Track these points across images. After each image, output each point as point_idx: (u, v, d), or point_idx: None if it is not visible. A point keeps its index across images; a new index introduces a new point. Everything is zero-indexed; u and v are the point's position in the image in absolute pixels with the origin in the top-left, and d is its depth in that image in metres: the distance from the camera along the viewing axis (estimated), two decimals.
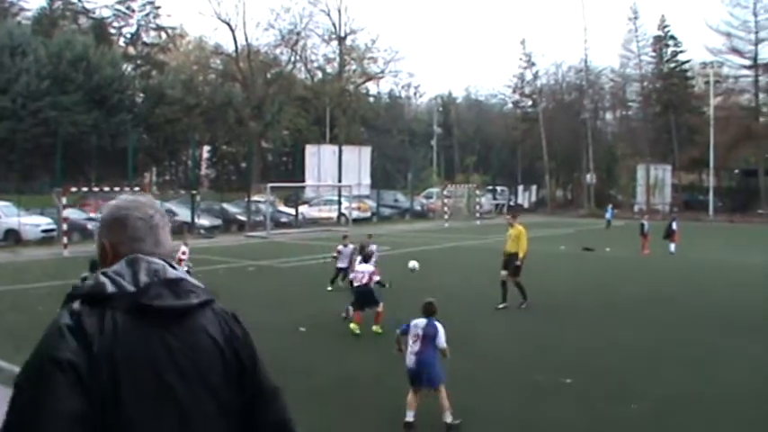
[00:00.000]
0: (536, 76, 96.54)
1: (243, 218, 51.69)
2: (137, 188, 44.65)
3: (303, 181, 63.32)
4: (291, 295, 24.00)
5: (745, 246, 44.24)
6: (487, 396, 12.60)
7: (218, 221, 49.58)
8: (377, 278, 18.54)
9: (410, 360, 10.95)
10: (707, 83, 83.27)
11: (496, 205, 79.13)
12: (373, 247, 20.67)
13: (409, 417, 10.76)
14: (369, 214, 61.76)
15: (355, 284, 18.16)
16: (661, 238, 37.53)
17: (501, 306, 21.12)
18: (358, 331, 17.41)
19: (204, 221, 48.13)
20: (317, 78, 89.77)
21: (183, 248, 24.66)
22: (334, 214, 59.15)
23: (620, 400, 12.24)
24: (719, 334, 17.90)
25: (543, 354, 15.81)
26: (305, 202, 60.73)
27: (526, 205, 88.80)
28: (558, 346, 16.57)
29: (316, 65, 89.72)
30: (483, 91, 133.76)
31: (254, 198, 54.69)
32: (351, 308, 18.34)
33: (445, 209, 61.84)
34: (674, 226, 37.89)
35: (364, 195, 64.27)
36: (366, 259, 18.65)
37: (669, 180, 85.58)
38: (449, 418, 10.77)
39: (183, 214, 47.71)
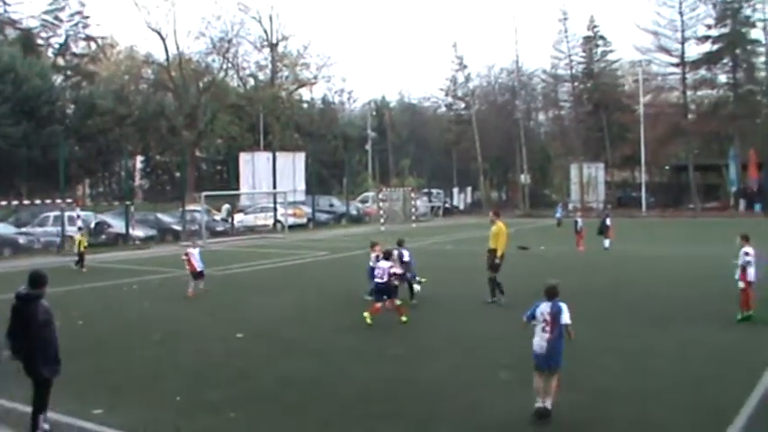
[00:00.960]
0: (468, 79, 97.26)
1: (178, 227, 51.27)
2: (69, 200, 43.99)
3: (238, 189, 62.99)
4: (228, 303, 23.94)
5: (676, 240, 45.04)
6: (434, 394, 12.78)
7: (152, 232, 49.16)
8: (397, 270, 20.07)
9: (541, 346, 11.36)
10: (636, 81, 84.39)
11: (432, 208, 79.42)
12: (405, 252, 22.29)
13: (546, 403, 11.22)
14: (305, 220, 61.63)
15: (376, 280, 19.26)
16: (595, 234, 38.12)
17: (490, 301, 21.73)
18: (370, 321, 18.60)
19: (139, 232, 47.69)
20: (249, 86, 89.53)
21: (190, 251, 25.71)
22: (270, 221, 58.94)
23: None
24: (652, 325, 18.31)
25: (477, 351, 15.99)
26: (240, 210, 60.44)
27: (462, 207, 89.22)
28: (491, 342, 16.77)
29: (248, 72, 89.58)
30: (416, 94, 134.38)
31: (190, 207, 54.22)
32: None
33: (381, 213, 61.94)
34: (608, 222, 38.56)
35: (300, 201, 64.06)
36: (387, 257, 19.89)
37: (602, 178, 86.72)
38: (549, 404, 11.19)
39: (118, 225, 47.30)
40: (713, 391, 12.50)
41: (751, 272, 18.37)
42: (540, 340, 11.36)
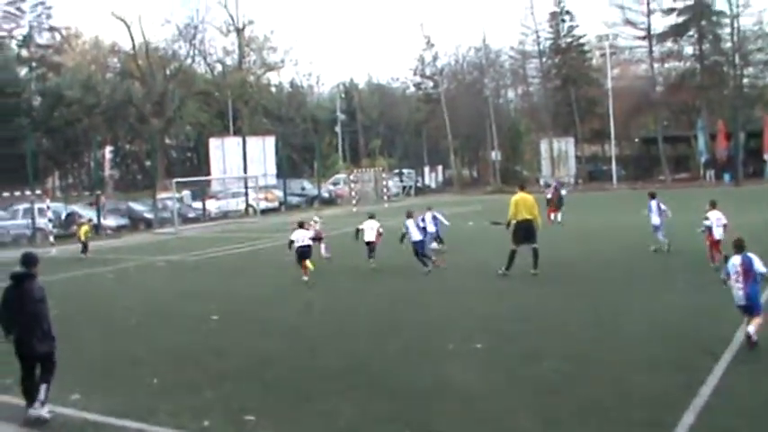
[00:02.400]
0: (436, 58, 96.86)
1: (150, 216, 51.12)
2: (38, 192, 43.73)
3: (209, 175, 62.77)
4: (203, 286, 23.99)
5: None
6: (404, 365, 12.90)
7: (124, 221, 49.00)
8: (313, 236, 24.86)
9: (739, 297, 12.61)
10: (603, 56, 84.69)
11: (404, 188, 79.42)
12: (428, 214, 27.27)
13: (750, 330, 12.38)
14: (276, 204, 61.54)
15: (298, 245, 23.12)
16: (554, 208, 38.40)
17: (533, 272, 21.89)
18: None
19: (110, 222, 47.54)
20: (217, 71, 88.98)
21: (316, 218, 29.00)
22: (242, 206, 58.84)
23: (532, 360, 12.62)
24: (619, 292, 18.62)
25: (452, 322, 16.10)
26: (211, 197, 60.25)
27: (433, 186, 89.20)
28: (466, 314, 16.90)
29: (215, 58, 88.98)
30: (385, 76, 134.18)
31: (162, 195, 54.02)
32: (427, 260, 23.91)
33: (353, 194, 61.95)
34: (563, 194, 39.40)
35: (271, 186, 63.96)
36: (300, 227, 23.79)
37: (572, 152, 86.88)
38: (754, 336, 12.28)
39: (89, 216, 47.08)
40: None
41: (717, 231, 20.64)
42: (737, 291, 12.62)
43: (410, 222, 23.91)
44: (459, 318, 16.56)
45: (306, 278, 22.71)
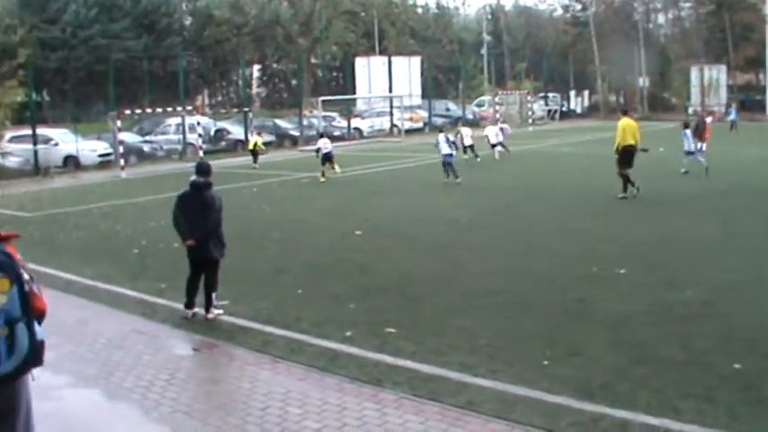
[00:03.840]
0: None
1: (295, 133, 51.86)
2: (189, 108, 44.80)
3: (354, 94, 63.05)
4: (346, 203, 24.27)
5: None
6: (548, 287, 12.82)
7: (271, 138, 49.80)
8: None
9: None
10: None
11: (548, 111, 78.33)
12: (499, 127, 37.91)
13: None
14: (421, 124, 61.53)
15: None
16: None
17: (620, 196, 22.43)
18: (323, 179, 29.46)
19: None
20: None
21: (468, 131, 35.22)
22: (387, 125, 59.04)
23: (674, 288, 12.36)
24: None
25: (598, 248, 15.92)
26: (356, 116, 60.59)
27: (579, 110, 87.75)
28: (613, 239, 16.67)
29: None
30: None
31: (306, 113, 54.63)
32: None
33: (497, 116, 61.44)
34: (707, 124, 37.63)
35: (416, 106, 63.92)
36: (321, 136, 32.06)
37: (724, 81, 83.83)
38: None
39: (237, 132, 48.12)
40: None
41: None
42: None
43: (441, 137, 28.43)
44: (604, 243, 16.33)
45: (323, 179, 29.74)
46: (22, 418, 5.17)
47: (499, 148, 36.34)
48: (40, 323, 4.98)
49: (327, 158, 30.38)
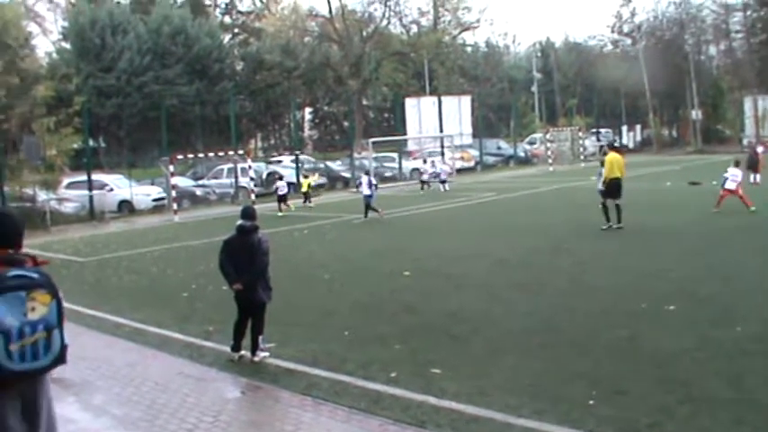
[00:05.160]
0: (634, 14, 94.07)
1: (347, 175, 52.14)
2: (240, 152, 45.26)
3: (405, 135, 63.17)
4: (395, 243, 24.30)
5: None
6: (595, 324, 12.73)
7: (323, 180, 50.08)
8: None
9: None
10: None
11: (600, 147, 77.83)
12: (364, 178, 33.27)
13: None
14: (472, 163, 61.56)
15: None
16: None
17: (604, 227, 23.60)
18: None
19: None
20: (412, 32, 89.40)
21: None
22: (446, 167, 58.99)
23: (724, 324, 12.18)
24: None
25: (645, 283, 15.77)
26: (417, 156, 60.53)
27: (631, 145, 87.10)
28: (661, 275, 16.50)
29: (410, 19, 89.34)
30: (581, 34, 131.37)
31: (357, 155, 54.90)
32: None
33: (549, 153, 61.26)
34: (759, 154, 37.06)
35: (467, 145, 63.96)
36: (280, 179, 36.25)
37: None
38: None
39: (289, 175, 48.52)
40: None
41: None
42: None
43: (364, 179, 31.84)
44: (652, 280, 16.16)
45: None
46: (44, 416, 5.99)
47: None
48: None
49: (282, 199, 35.87)
